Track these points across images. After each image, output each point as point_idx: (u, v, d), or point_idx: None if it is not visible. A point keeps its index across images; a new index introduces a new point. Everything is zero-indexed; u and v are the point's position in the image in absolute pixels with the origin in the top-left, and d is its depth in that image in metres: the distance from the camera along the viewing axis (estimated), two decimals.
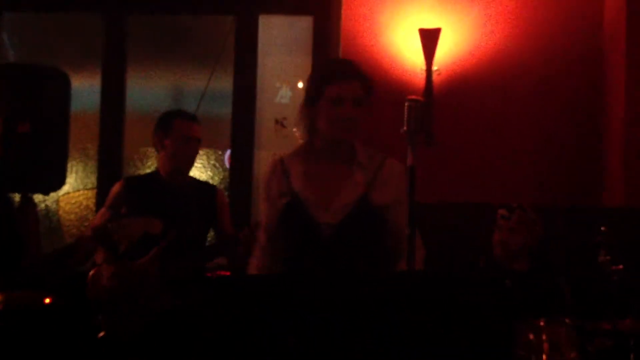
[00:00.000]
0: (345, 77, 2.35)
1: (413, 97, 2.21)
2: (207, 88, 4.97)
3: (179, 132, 3.34)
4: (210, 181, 4.93)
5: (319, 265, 2.27)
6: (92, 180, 4.93)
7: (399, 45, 4.60)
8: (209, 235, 3.55)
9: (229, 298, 1.69)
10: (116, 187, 3.39)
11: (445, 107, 4.45)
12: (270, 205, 2.44)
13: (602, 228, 3.30)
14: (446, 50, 4.51)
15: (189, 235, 3.18)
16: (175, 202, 3.26)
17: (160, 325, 2.90)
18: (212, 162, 5.00)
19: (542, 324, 3.00)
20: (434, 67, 4.47)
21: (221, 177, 4.97)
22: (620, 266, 3.21)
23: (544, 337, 2.96)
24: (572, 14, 4.52)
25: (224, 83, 4.95)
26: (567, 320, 3.08)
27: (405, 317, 1.63)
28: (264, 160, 4.95)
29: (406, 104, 2.20)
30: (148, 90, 5.13)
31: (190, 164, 3.39)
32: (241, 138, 4.89)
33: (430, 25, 4.49)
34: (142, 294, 3.01)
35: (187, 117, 3.43)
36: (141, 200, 3.23)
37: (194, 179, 3.52)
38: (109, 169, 4.83)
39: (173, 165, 3.34)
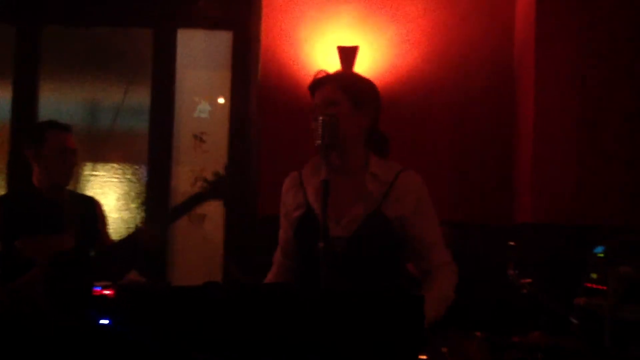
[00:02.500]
0: (319, 85, 2.35)
1: (330, 112, 2.23)
2: (124, 102, 4.89)
3: (53, 144, 3.20)
4: (127, 196, 4.83)
5: (332, 279, 2.24)
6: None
7: (318, 61, 4.64)
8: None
9: (130, 313, 1.65)
10: None
11: None
12: (286, 219, 2.43)
13: (511, 243, 3.40)
14: (364, 67, 4.57)
15: (74, 251, 3.10)
16: (56, 217, 3.15)
17: (53, 345, 2.81)
18: (127, 176, 4.90)
19: (454, 337, 3.06)
20: None
21: (137, 192, 4.87)
22: (529, 280, 3.31)
23: (456, 350, 3.01)
24: (484, 36, 4.66)
25: (142, 97, 4.88)
26: (477, 334, 3.15)
27: (312, 332, 1.62)
28: (182, 175, 4.90)
29: (320, 118, 2.21)
30: (63, 103, 5.00)
31: (68, 176, 3.26)
32: (158, 153, 4.82)
33: (348, 42, 4.55)
34: (26, 314, 2.91)
35: (61, 127, 3.27)
36: (20, 217, 3.11)
37: (73, 192, 3.41)
38: (19, 181, 4.67)
39: (50, 179, 3.21)
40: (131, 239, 3.19)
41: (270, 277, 2.48)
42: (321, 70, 2.39)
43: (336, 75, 2.39)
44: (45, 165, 3.20)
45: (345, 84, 2.31)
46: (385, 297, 1.66)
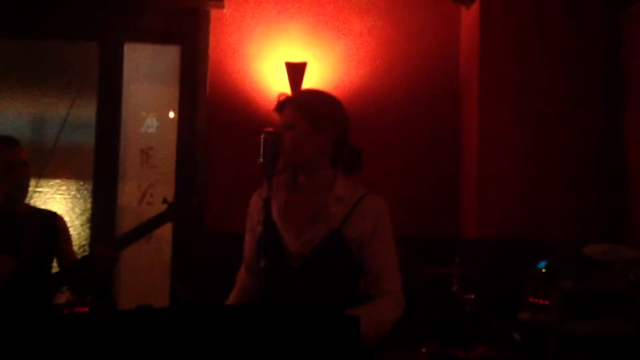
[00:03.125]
0: (279, 109, 2.35)
1: (269, 129, 2.22)
2: (69, 116, 4.80)
3: (1, 158, 3.17)
4: (72, 213, 4.74)
5: (286, 295, 2.23)
6: None
7: (266, 77, 4.64)
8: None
9: (80, 335, 1.61)
10: None
11: None
12: (250, 234, 2.43)
13: (456, 259, 3.43)
14: (312, 83, 4.59)
15: (32, 267, 3.03)
16: (12, 232, 3.08)
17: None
18: (72, 192, 4.82)
19: (399, 352, 3.07)
20: None
21: (83, 208, 4.79)
22: (472, 295, 3.34)
23: None
24: (430, 53, 4.73)
25: (87, 111, 4.80)
26: (423, 350, 3.17)
27: (246, 350, 1.61)
28: (128, 191, 4.83)
29: (262, 136, 2.21)
30: (7, 117, 4.90)
31: (22, 190, 3.19)
32: (104, 169, 4.74)
33: (296, 59, 4.56)
34: None
35: (7, 142, 3.23)
36: None
37: (31, 207, 3.34)
38: None
39: (3, 196, 3.14)
40: (90, 258, 3.12)
41: (233, 294, 2.48)
42: (282, 93, 2.40)
43: (295, 98, 2.40)
44: None
45: (302, 106, 2.32)
46: (320, 316, 1.65)
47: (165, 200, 2.87)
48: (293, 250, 2.27)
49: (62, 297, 3.62)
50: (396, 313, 2.32)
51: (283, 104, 2.36)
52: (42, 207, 3.47)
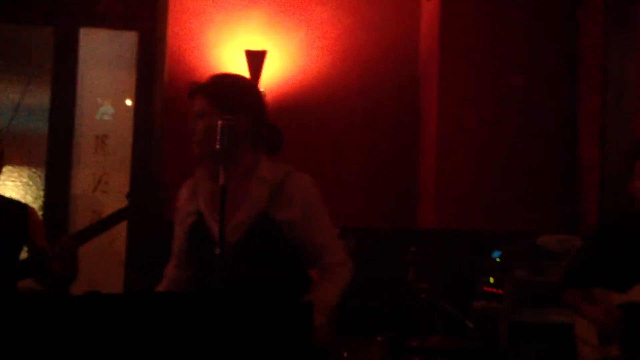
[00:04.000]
0: (194, 95, 2.30)
1: (227, 116, 2.20)
2: (22, 102, 4.70)
3: None
4: (23, 200, 4.64)
5: (219, 284, 2.15)
6: None
7: (226, 65, 4.59)
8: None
9: (28, 320, 1.58)
10: None
11: None
12: (180, 227, 2.38)
13: (412, 248, 3.45)
14: (272, 72, 4.56)
15: None
16: None
17: None
18: (24, 179, 4.71)
19: (356, 342, 3.08)
20: (260, 89, 4.50)
21: (35, 195, 4.69)
22: (427, 284, 3.37)
23: (357, 355, 3.03)
24: (391, 43, 4.74)
25: (41, 97, 4.70)
26: (378, 338, 3.18)
27: (199, 340, 1.59)
28: (82, 179, 4.74)
29: (219, 122, 2.18)
30: None
31: None
32: (58, 155, 4.65)
33: (256, 47, 4.53)
34: None
35: None
36: None
37: (1, 197, 3.27)
38: None
39: None
40: (49, 248, 3.05)
41: (159, 288, 2.43)
42: (192, 82, 2.36)
43: (204, 86, 2.34)
44: None
45: (212, 94, 2.27)
46: (271, 303, 1.64)
47: (128, 195, 2.79)
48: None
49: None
50: (345, 281, 2.32)
51: (193, 92, 2.31)
52: None
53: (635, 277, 2.79)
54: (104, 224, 2.97)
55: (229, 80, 2.38)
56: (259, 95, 2.37)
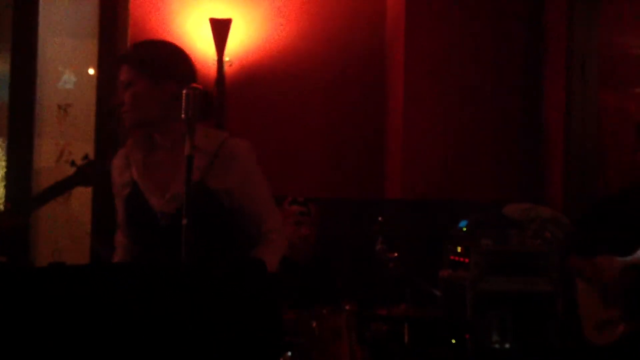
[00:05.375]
0: (121, 65, 2.24)
1: (193, 85, 2.16)
2: None
3: None
4: None
5: (159, 256, 2.16)
6: None
7: (190, 34, 4.52)
8: None
9: None
10: None
11: (237, 97, 4.45)
12: (117, 198, 2.34)
13: (379, 218, 3.47)
14: (238, 41, 4.50)
15: None
16: None
17: None
18: None
19: (324, 312, 3.09)
20: (226, 58, 4.45)
21: None
22: (395, 254, 3.39)
23: (325, 324, 3.05)
24: (356, 12, 4.70)
25: (1, 66, 4.58)
26: (347, 307, 3.20)
27: (168, 311, 1.58)
28: (45, 149, 4.65)
29: (184, 92, 2.13)
30: None
31: None
32: (20, 125, 4.54)
33: (221, 15, 4.46)
34: None
35: None
36: None
37: None
38: None
39: None
40: None
41: (114, 258, 2.40)
42: (120, 52, 2.32)
43: (129, 54, 2.30)
44: None
45: (137, 61, 2.22)
46: (228, 267, 1.64)
47: (73, 163, 2.73)
48: (159, 209, 2.20)
49: None
50: (282, 248, 2.32)
51: (118, 61, 2.27)
52: None
53: (637, 243, 2.87)
54: (55, 190, 2.92)
55: (153, 47, 2.32)
56: (187, 60, 2.30)
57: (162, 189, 2.22)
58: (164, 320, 1.59)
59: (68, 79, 4.72)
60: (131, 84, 2.21)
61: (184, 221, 2.06)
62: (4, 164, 4.58)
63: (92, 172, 2.81)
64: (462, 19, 4.47)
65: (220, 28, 4.42)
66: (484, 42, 4.49)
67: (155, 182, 2.22)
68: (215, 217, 2.22)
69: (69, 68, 4.72)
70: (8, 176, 4.54)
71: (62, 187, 2.89)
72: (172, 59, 2.26)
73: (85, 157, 2.82)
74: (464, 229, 3.81)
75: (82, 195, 4.53)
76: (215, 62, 4.42)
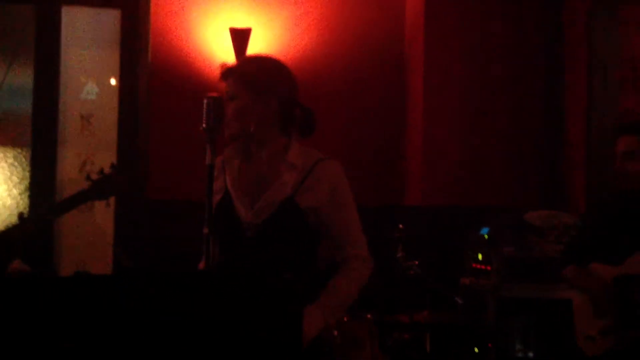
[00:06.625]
0: (224, 78, 2.31)
1: (213, 94, 2.19)
2: (5, 82, 4.64)
3: None
4: (9, 182, 4.61)
5: (241, 265, 2.20)
6: None
7: (210, 43, 4.56)
8: None
9: (17, 302, 1.58)
10: None
11: None
12: (210, 203, 2.36)
13: (400, 226, 3.47)
14: (257, 50, 4.51)
15: None
16: None
17: None
18: (10, 160, 4.67)
19: (345, 320, 3.10)
20: None
21: (21, 176, 4.65)
22: (416, 262, 3.39)
23: (346, 333, 3.05)
24: (375, 20, 4.71)
25: (24, 77, 4.64)
26: (368, 316, 3.20)
27: (192, 318, 1.60)
28: (68, 159, 4.71)
29: (204, 101, 2.17)
30: None
31: None
32: (43, 136, 4.60)
33: (241, 24, 4.49)
34: None
35: None
36: None
37: None
38: None
39: None
40: (14, 230, 3.02)
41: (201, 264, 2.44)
42: (223, 64, 2.36)
43: (234, 67, 2.35)
44: None
45: (241, 75, 2.28)
46: (262, 313, 1.65)
47: (88, 177, 2.75)
48: (246, 220, 2.24)
49: None
50: (364, 276, 2.32)
51: (225, 74, 2.32)
52: None
53: (629, 251, 2.85)
54: (74, 200, 2.94)
55: (258, 62, 2.37)
56: (289, 76, 2.35)
57: (252, 200, 2.26)
58: (188, 329, 1.60)
59: (90, 89, 4.78)
60: (234, 97, 2.26)
61: (205, 230, 2.09)
62: (28, 174, 4.64)
63: (108, 187, 2.82)
64: (481, 25, 4.46)
65: (240, 37, 4.45)
66: (503, 47, 4.48)
67: (246, 192, 2.26)
68: (299, 234, 2.26)
69: (91, 79, 4.78)
70: (32, 186, 4.59)
71: (77, 201, 2.92)
72: (274, 74, 2.32)
73: (101, 171, 2.85)
74: (485, 236, 3.80)
75: (104, 205, 4.57)
76: None
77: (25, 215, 3.18)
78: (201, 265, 2.44)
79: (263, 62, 2.38)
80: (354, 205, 2.35)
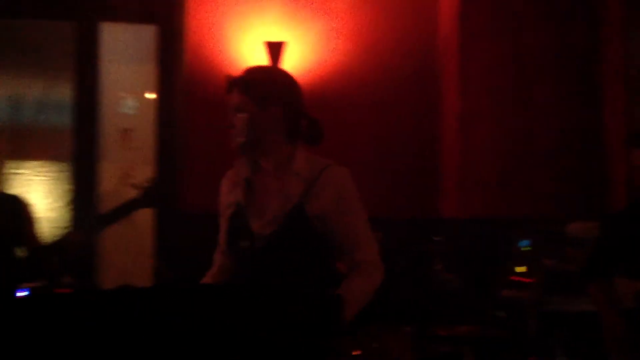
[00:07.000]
0: (229, 90, 2.30)
1: (253, 110, 2.20)
2: (46, 97, 4.73)
3: None
4: (51, 195, 4.69)
5: (252, 277, 2.21)
6: None
7: (245, 57, 4.59)
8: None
9: (62, 316, 1.60)
10: None
11: None
12: (222, 218, 2.39)
13: (436, 238, 3.44)
14: (292, 63, 4.54)
15: None
16: None
17: None
18: (52, 174, 4.76)
19: (382, 332, 3.08)
20: None
21: (62, 190, 4.73)
22: (454, 274, 3.35)
23: (384, 345, 3.03)
24: (408, 31, 4.69)
25: (64, 92, 4.73)
26: (407, 328, 3.18)
27: (232, 331, 1.60)
28: (108, 172, 4.78)
29: (240, 116, 2.19)
30: None
31: None
32: (83, 150, 4.68)
33: (275, 38, 4.51)
34: None
35: None
36: None
37: None
38: None
39: None
40: (60, 243, 3.08)
41: (208, 275, 2.45)
42: (228, 75, 2.36)
43: (238, 79, 2.34)
44: None
45: (246, 87, 2.27)
46: (301, 296, 1.65)
47: (134, 186, 2.81)
48: (256, 231, 2.24)
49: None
50: (375, 282, 2.28)
51: (230, 87, 2.31)
52: (22, 189, 3.42)
53: None
54: (119, 212, 2.99)
55: (261, 73, 2.36)
56: (294, 85, 2.33)
57: (262, 211, 2.26)
58: (228, 341, 1.61)
59: (129, 103, 4.85)
60: (240, 108, 2.25)
61: (242, 243, 2.10)
62: (69, 187, 4.72)
63: (155, 194, 2.88)
64: (517, 30, 4.41)
65: (275, 51, 4.47)
66: (540, 53, 4.42)
67: (256, 204, 2.27)
68: (309, 242, 2.25)
69: (129, 93, 4.85)
70: (73, 199, 4.67)
71: (127, 209, 2.97)
72: (277, 83, 2.30)
73: (148, 180, 2.89)
74: (526, 248, 3.75)
75: (144, 216, 4.62)
76: None
77: (72, 228, 3.25)
78: (208, 275, 2.46)
79: (267, 73, 2.38)
80: (362, 211, 2.31)
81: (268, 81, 2.31)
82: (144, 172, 4.72)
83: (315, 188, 2.25)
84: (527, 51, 4.41)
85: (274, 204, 2.24)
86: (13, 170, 4.64)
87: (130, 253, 4.72)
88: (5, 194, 3.34)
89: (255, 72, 2.37)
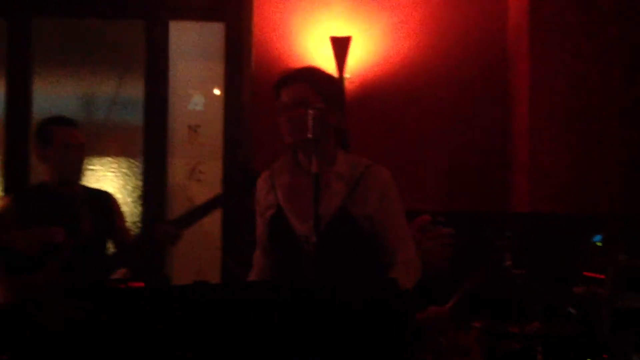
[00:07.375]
0: (287, 84, 2.29)
1: (319, 105, 2.21)
2: (118, 95, 4.86)
3: (59, 140, 3.16)
4: (123, 190, 4.82)
5: (302, 279, 2.24)
6: None
7: (311, 52, 4.62)
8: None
9: (135, 309, 1.65)
10: (1, 203, 3.24)
11: (357, 114, 4.50)
12: (260, 219, 2.42)
13: (507, 233, 3.40)
14: (357, 58, 4.55)
15: (87, 246, 3.10)
16: (68, 213, 3.13)
17: (63, 338, 2.82)
18: (124, 170, 4.89)
19: (451, 328, 3.06)
20: (346, 75, 4.51)
21: (134, 185, 4.86)
22: (525, 270, 3.31)
23: (453, 341, 3.02)
24: (477, 22, 4.64)
25: (135, 90, 4.85)
26: (476, 324, 3.15)
27: (302, 324, 1.63)
28: (178, 168, 4.88)
29: (310, 111, 2.19)
30: (56, 97, 4.97)
31: (77, 172, 3.21)
32: (154, 146, 4.80)
33: (341, 33, 4.52)
34: (42, 307, 2.93)
35: (65, 122, 3.22)
36: (32, 214, 3.10)
37: (85, 187, 3.38)
38: (15, 177, 4.67)
39: (59, 177, 3.19)
40: (148, 236, 3.18)
41: (251, 276, 2.48)
42: (288, 69, 2.37)
43: (306, 73, 2.34)
44: (53, 163, 3.17)
45: (316, 82, 2.28)
46: (369, 285, 1.67)
47: (224, 182, 2.87)
48: (301, 234, 2.25)
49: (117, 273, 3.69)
50: (414, 279, 2.31)
51: (291, 78, 2.29)
52: (95, 185, 3.52)
53: None
54: (200, 211, 3.06)
55: (328, 74, 2.40)
56: (345, 96, 2.40)
57: (306, 214, 2.26)
58: (298, 337, 1.63)
59: (197, 100, 4.94)
60: (305, 104, 2.23)
61: (312, 239, 2.11)
62: (140, 182, 4.84)
63: (229, 195, 2.91)
64: (589, 28, 4.31)
65: (341, 46, 4.49)
66: (613, 46, 4.31)
67: (299, 206, 2.28)
68: (355, 242, 2.26)
69: (198, 90, 4.94)
70: (144, 195, 4.79)
71: (204, 210, 3.03)
72: (340, 87, 2.40)
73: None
74: (599, 244, 3.67)
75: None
76: None
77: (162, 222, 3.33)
78: (252, 276, 2.46)
79: (330, 75, 2.40)
80: (403, 210, 2.34)
81: (333, 80, 2.33)
82: (212, 167, 4.81)
83: (359, 188, 2.27)
84: (601, 43, 4.30)
85: (317, 206, 2.21)
86: (87, 167, 4.78)
87: (197, 249, 4.81)
88: (98, 190, 3.46)
89: (321, 72, 2.39)
